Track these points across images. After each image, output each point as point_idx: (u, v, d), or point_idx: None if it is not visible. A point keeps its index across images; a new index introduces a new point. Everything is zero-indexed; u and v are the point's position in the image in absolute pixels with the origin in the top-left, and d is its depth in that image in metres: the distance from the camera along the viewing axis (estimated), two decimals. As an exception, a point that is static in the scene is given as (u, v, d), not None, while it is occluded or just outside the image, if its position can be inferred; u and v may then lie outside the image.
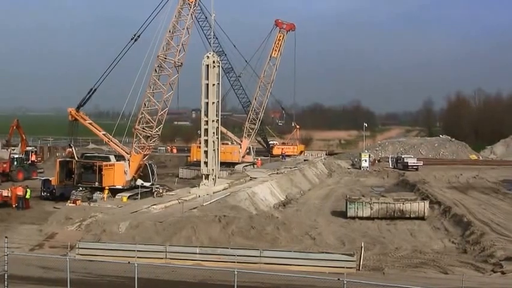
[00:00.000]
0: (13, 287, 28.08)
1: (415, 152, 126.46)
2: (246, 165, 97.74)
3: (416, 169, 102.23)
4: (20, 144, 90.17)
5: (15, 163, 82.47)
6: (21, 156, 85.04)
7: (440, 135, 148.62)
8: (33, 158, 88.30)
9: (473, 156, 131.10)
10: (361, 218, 56.91)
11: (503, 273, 37.03)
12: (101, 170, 63.14)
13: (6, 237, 28.46)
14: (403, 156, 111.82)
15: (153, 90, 63.90)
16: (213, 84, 61.22)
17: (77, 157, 65.32)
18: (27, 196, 60.45)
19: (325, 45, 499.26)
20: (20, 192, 59.95)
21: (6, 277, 26.36)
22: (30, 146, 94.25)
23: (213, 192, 60.66)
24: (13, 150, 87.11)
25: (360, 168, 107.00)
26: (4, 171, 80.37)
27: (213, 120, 61.70)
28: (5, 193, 60.39)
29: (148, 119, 64.04)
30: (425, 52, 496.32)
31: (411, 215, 57.17)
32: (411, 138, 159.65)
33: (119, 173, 63.62)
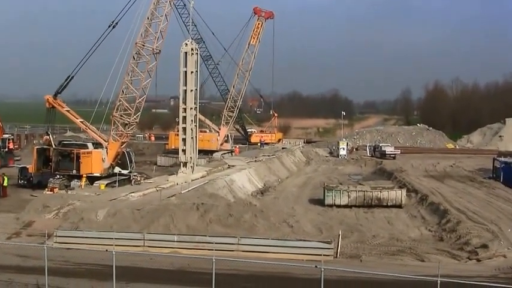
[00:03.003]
0: (-10, 275, 28.01)
1: (393, 141, 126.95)
2: (224, 153, 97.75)
3: (394, 157, 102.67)
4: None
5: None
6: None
7: (418, 124, 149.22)
8: (10, 145, 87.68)
9: (450, 145, 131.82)
10: (339, 206, 57.11)
11: (478, 260, 37.42)
12: (78, 157, 62.94)
13: (-17, 225, 28.34)
14: (380, 144, 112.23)
15: (131, 77, 63.71)
16: (191, 72, 61.12)
17: (55, 145, 65.10)
18: (5, 184, 60.16)
19: (304, 34, 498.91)
20: (-4, 180, 59.68)
21: (-17, 265, 26.27)
22: (6, 134, 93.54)
23: (191, 180, 60.67)
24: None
25: (337, 156, 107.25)
26: (-19, 159, 79.85)
27: (191, 108, 61.64)
28: (-18, 181, 60.12)
29: (126, 106, 63.84)
30: (404, 42, 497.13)
31: (388, 203, 57.44)
32: (389, 126, 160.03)
33: (96, 161, 63.45)
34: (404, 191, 59.25)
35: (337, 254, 36.72)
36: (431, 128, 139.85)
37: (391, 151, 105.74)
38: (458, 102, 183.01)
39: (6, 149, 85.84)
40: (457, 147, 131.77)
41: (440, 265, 25.13)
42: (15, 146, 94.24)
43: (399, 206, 57.28)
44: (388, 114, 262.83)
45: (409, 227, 49.68)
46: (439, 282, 21.12)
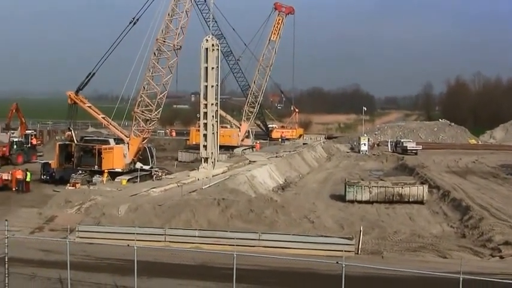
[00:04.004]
0: (14, 269, 28.17)
1: (414, 136, 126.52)
2: (245, 149, 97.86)
3: (416, 153, 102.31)
4: (19, 128, 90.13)
5: (15, 146, 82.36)
6: (20, 139, 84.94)
7: (440, 120, 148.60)
8: (33, 141, 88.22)
9: (473, 141, 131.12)
10: (360, 202, 56.96)
11: (501, 257, 37.11)
12: (100, 153, 63.17)
13: (6, 220, 28.47)
14: (402, 140, 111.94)
15: (152, 73, 63.76)
16: (212, 68, 61.15)
17: (77, 140, 65.36)
18: (28, 179, 60.52)
19: (325, 29, 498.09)
20: (19, 175, 60.02)
21: (6, 260, 26.42)
22: (29, 130, 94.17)
23: (212, 176, 60.66)
24: (12, 133, 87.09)
25: (359, 152, 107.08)
26: (4, 155, 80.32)
27: (212, 104, 61.67)
28: (5, 176, 60.50)
29: (148, 102, 63.95)
30: (425, 36, 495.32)
31: (410, 199, 57.22)
32: (410, 122, 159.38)
33: (118, 156, 63.64)
34: (426, 187, 58.99)
35: (358, 250, 36.60)
36: (453, 124, 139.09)
37: (413, 147, 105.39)
38: (480, 97, 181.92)
39: (29, 145, 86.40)
40: (480, 142, 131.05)
41: (462, 262, 25.02)
42: (38, 142, 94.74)
43: (421, 202, 57.04)
44: (409, 109, 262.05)
45: (431, 223, 49.44)
46: (461, 279, 20.99)
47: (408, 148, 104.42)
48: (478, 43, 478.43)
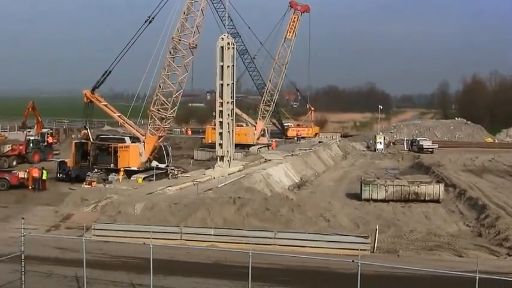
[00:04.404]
0: (30, 267, 28.28)
1: (430, 135, 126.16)
2: (261, 147, 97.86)
3: (432, 152, 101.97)
4: (35, 126, 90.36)
5: (31, 145, 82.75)
6: (37, 138, 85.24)
7: (456, 118, 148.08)
8: (49, 139, 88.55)
9: (489, 139, 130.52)
10: (376, 201, 56.86)
11: (518, 256, 37.01)
12: (116, 151, 63.42)
13: (22, 218, 28.67)
14: (418, 138, 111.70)
15: (167, 72, 63.88)
16: (228, 66, 61.09)
17: (92, 139, 65.64)
18: (44, 177, 60.79)
19: (340, 26, 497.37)
20: (36, 173, 60.29)
21: (23, 258, 26.53)
22: (45, 128, 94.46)
23: (228, 174, 60.70)
24: (29, 132, 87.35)
25: (374, 150, 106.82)
26: (20, 153, 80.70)
27: (227, 102, 61.63)
28: (21, 175, 60.83)
29: (163, 100, 64.06)
30: (441, 34, 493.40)
31: (426, 198, 57.04)
32: (426, 120, 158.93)
33: (134, 155, 63.83)
34: (442, 186, 58.77)
35: (374, 249, 36.56)
36: (469, 122, 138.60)
37: (429, 145, 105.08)
38: (497, 95, 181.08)
39: (45, 143, 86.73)
40: (496, 141, 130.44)
41: (478, 261, 24.92)
42: (54, 140, 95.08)
43: (437, 201, 56.85)
44: (425, 107, 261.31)
45: (447, 222, 49.27)
46: (477, 278, 20.89)
47: (424, 146, 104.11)
48: (495, 41, 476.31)
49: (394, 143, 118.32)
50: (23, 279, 26.84)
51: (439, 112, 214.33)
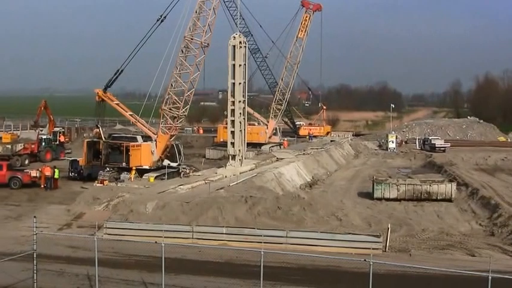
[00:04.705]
0: (42, 266, 28.40)
1: (443, 134, 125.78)
2: (273, 146, 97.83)
3: (444, 151, 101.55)
4: (47, 125, 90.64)
5: (43, 144, 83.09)
6: (49, 137, 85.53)
7: (468, 117, 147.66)
8: (61, 138, 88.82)
9: (502, 138, 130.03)
10: (388, 200, 56.68)
11: (530, 256, 36.82)
12: (128, 150, 63.52)
13: (34, 216, 28.71)
14: (430, 137, 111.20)
15: (179, 70, 63.94)
16: (240, 65, 61.06)
17: (104, 138, 65.74)
18: (56, 176, 60.98)
19: (352, 25, 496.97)
20: (48, 172, 60.46)
21: (35, 256, 26.64)
22: (57, 127, 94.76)
23: (240, 173, 60.65)
24: (41, 131, 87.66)
25: (386, 149, 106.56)
26: (32, 152, 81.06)
27: (239, 101, 61.60)
28: (33, 173, 61.03)
29: (175, 99, 64.14)
30: (453, 33, 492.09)
31: (438, 197, 56.82)
32: (438, 119, 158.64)
33: (145, 154, 63.91)
34: (454, 185, 58.52)
35: (386, 248, 36.46)
36: (482, 121, 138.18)
37: (441, 144, 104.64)
38: (510, 94, 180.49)
39: (57, 142, 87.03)
40: (509, 140, 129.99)
41: (491, 260, 24.84)
42: (66, 139, 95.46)
43: (449, 200, 56.62)
44: (437, 106, 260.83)
45: (459, 221, 49.07)
46: (490, 278, 20.79)
47: (436, 145, 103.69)
48: (508, 40, 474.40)
49: (406, 142, 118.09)
50: (35, 278, 26.95)
51: (451, 111, 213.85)
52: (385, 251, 36.05)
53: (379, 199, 56.77)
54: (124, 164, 63.56)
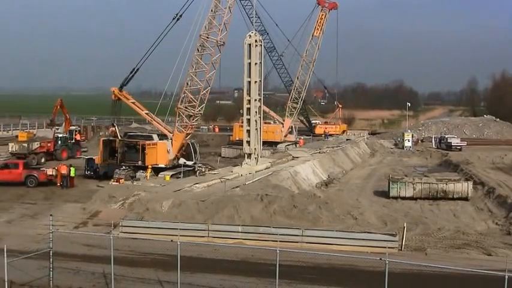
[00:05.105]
0: (58, 264, 28.53)
1: (459, 132, 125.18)
2: (288, 145, 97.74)
3: (460, 149, 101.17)
4: (63, 124, 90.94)
5: (60, 142, 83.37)
6: (65, 135, 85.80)
7: (485, 115, 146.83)
8: (77, 137, 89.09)
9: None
10: (404, 198, 56.55)
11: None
12: (144, 149, 63.65)
13: (51, 215, 28.86)
14: (446, 136, 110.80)
15: (195, 69, 64.04)
16: (255, 63, 61.04)
17: (120, 136, 65.94)
18: (72, 174, 61.17)
19: (368, 23, 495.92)
20: (64, 170, 60.67)
21: (51, 254, 26.76)
22: (73, 125, 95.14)
23: (255, 171, 60.66)
24: (57, 129, 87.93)
25: (402, 148, 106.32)
26: (48, 150, 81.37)
27: (255, 100, 61.58)
28: (49, 172, 61.25)
29: (191, 98, 64.22)
30: (470, 31, 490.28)
31: (454, 196, 56.64)
32: (455, 118, 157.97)
33: (161, 152, 64.03)
34: (470, 184, 58.32)
35: (401, 247, 36.37)
36: (498, 119, 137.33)
37: (457, 143, 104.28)
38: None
39: (73, 141, 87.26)
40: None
41: (508, 259, 24.70)
42: (82, 138, 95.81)
43: (465, 199, 56.43)
44: (453, 105, 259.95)
45: (476, 220, 48.91)
46: (506, 277, 20.69)
47: (452, 144, 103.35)
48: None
49: (422, 141, 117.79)
50: (51, 276, 27.08)
51: (467, 109, 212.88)
52: (401, 250, 35.97)
53: (395, 198, 56.67)
54: (140, 162, 63.71)
